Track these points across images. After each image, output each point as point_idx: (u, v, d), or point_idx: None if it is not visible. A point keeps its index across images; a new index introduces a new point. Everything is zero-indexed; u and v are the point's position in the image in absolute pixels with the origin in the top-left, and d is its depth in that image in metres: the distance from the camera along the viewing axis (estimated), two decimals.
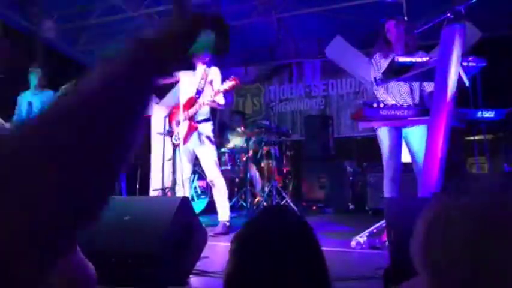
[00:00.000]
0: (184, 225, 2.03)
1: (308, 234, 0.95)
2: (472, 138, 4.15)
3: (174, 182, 3.77)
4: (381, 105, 2.72)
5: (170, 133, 3.77)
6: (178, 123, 3.63)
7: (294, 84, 7.90)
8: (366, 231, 3.04)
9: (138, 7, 6.36)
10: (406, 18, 5.01)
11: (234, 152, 5.73)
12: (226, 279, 0.89)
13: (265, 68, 8.11)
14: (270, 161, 5.58)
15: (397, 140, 3.18)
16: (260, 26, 6.80)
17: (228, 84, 3.57)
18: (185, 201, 2.04)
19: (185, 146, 3.66)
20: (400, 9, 5.87)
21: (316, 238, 0.94)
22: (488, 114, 2.69)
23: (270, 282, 0.86)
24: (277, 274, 0.86)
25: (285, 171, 5.93)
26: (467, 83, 2.65)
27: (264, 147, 5.69)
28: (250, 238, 0.94)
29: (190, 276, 2.14)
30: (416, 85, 3.26)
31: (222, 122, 8.20)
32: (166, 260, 1.94)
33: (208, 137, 3.67)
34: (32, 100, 4.53)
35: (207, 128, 3.69)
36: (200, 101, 3.58)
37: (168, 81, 3.70)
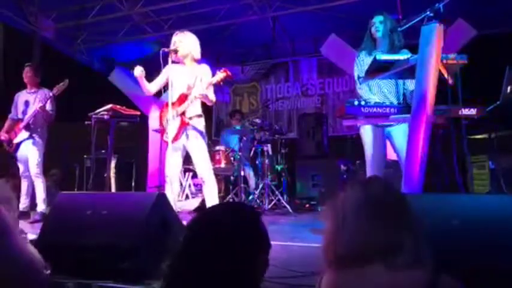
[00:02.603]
0: (161, 220, 2.06)
1: (252, 231, 1.06)
2: (476, 137, 4.15)
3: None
4: (363, 102, 2.73)
5: (161, 131, 3.78)
6: (167, 120, 3.63)
7: (290, 82, 7.93)
8: None
9: (134, 5, 6.40)
10: (400, 16, 5.03)
11: (229, 150, 5.76)
12: (174, 257, 1.05)
13: (262, 67, 8.14)
14: (264, 159, 5.61)
15: (380, 138, 3.18)
16: (256, 24, 6.83)
17: (220, 76, 3.54)
18: (161, 197, 2.08)
19: (176, 143, 3.64)
20: (396, 6, 5.89)
21: (260, 238, 1.07)
22: (470, 111, 2.70)
23: (208, 265, 0.98)
24: (214, 259, 0.98)
25: (278, 169, 5.95)
26: (450, 81, 2.67)
27: (257, 145, 5.72)
28: (198, 226, 1.08)
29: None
30: (400, 83, 3.27)
31: (219, 120, 8.25)
32: (142, 254, 1.98)
33: (200, 133, 3.66)
34: (28, 99, 4.57)
35: (199, 124, 3.68)
36: (191, 96, 3.57)
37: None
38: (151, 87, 3.76)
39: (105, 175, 3.72)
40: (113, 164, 4.87)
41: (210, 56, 6.43)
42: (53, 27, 7.01)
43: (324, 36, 6.58)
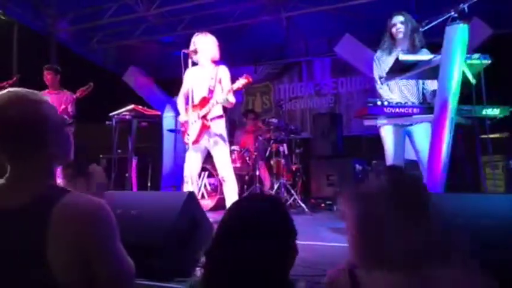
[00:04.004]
0: (190, 219, 2.10)
1: (283, 220, 1.08)
2: (487, 136, 4.13)
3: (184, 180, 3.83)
4: (385, 103, 2.75)
5: (182, 132, 3.82)
6: (188, 122, 3.66)
7: (303, 82, 7.93)
8: None
9: (150, 6, 6.45)
10: (415, 15, 5.01)
11: (243, 150, 5.79)
12: (205, 253, 1.05)
13: (275, 67, 8.16)
14: (279, 159, 5.62)
15: (401, 138, 3.20)
16: (270, 24, 6.85)
17: (241, 82, 3.56)
18: (191, 196, 2.11)
19: (197, 144, 3.67)
20: (410, 6, 5.87)
21: (287, 229, 1.08)
22: (493, 111, 2.70)
23: (237, 261, 0.99)
24: (243, 255, 0.99)
25: (293, 168, 5.97)
26: (472, 81, 2.66)
27: (273, 145, 5.74)
28: (227, 221, 1.09)
29: (197, 268, 2.21)
30: (420, 83, 3.27)
31: (232, 120, 8.28)
32: (172, 252, 2.02)
33: (221, 135, 3.70)
34: (49, 100, 4.62)
35: (220, 126, 3.71)
36: (213, 100, 3.61)
37: None
38: (182, 100, 3.80)
39: (127, 175, 3.77)
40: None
41: (224, 55, 6.42)
42: (69, 29, 7.09)
43: (337, 36, 6.58)
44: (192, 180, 3.68)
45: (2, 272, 1.02)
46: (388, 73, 2.97)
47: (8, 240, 1.03)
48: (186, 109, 3.72)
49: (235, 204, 1.15)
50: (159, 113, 3.99)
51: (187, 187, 3.68)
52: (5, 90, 1.13)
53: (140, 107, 3.58)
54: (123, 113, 3.56)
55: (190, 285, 1.18)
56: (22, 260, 1.01)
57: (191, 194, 2.15)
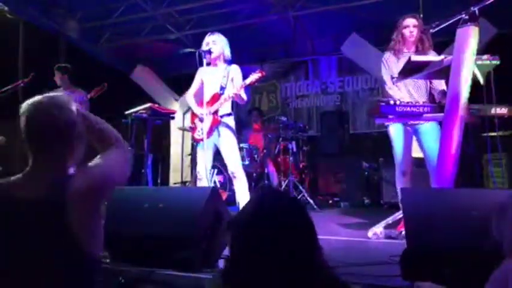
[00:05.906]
0: (214, 212, 2.20)
1: (298, 219, 1.06)
2: (493, 134, 4.21)
3: (195, 176, 3.93)
4: (397, 102, 2.84)
5: (192, 129, 3.93)
6: (201, 119, 3.76)
7: (310, 80, 8.01)
8: (383, 222, 3.18)
9: (159, 6, 6.53)
10: (421, 15, 5.09)
11: (252, 148, 5.89)
12: (225, 263, 1.08)
13: (281, 65, 8.23)
14: (287, 157, 5.72)
15: (409, 136, 3.32)
16: (276, 23, 6.91)
17: (255, 76, 3.67)
18: (215, 191, 2.22)
19: (208, 139, 3.78)
20: (416, 6, 5.94)
21: (306, 223, 1.06)
22: (502, 110, 2.79)
23: (262, 262, 0.98)
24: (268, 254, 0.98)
25: (301, 166, 6.07)
26: (482, 82, 2.76)
27: (281, 143, 5.84)
28: (243, 223, 1.06)
29: (220, 260, 2.32)
30: (428, 84, 3.38)
31: (239, 118, 8.37)
32: (199, 244, 2.12)
33: (231, 131, 3.82)
34: None
35: (229, 122, 3.84)
36: (225, 95, 3.72)
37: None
38: (192, 98, 3.89)
39: (143, 171, 3.87)
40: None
41: (230, 54, 6.46)
42: (78, 28, 7.16)
43: (344, 34, 6.65)
44: (205, 176, 3.78)
45: (35, 256, 1.17)
46: (399, 73, 3.06)
47: (35, 226, 1.18)
48: (200, 103, 3.83)
49: (255, 197, 1.18)
50: (175, 110, 4.09)
51: (201, 183, 3.78)
52: (50, 94, 1.36)
53: (156, 105, 3.69)
54: (140, 111, 3.66)
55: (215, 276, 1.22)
56: (52, 241, 1.18)
57: (214, 189, 2.26)
